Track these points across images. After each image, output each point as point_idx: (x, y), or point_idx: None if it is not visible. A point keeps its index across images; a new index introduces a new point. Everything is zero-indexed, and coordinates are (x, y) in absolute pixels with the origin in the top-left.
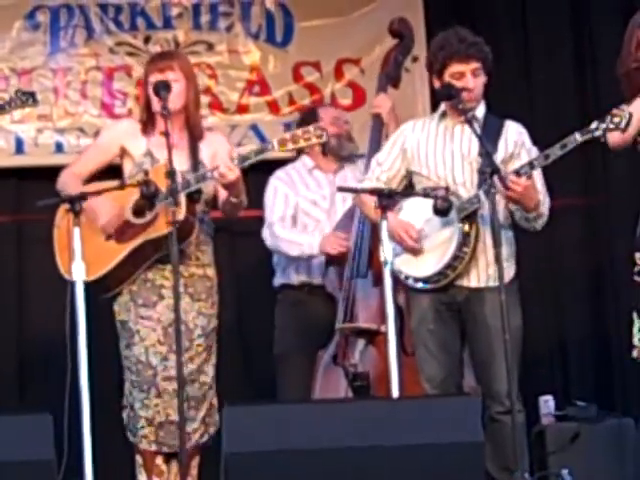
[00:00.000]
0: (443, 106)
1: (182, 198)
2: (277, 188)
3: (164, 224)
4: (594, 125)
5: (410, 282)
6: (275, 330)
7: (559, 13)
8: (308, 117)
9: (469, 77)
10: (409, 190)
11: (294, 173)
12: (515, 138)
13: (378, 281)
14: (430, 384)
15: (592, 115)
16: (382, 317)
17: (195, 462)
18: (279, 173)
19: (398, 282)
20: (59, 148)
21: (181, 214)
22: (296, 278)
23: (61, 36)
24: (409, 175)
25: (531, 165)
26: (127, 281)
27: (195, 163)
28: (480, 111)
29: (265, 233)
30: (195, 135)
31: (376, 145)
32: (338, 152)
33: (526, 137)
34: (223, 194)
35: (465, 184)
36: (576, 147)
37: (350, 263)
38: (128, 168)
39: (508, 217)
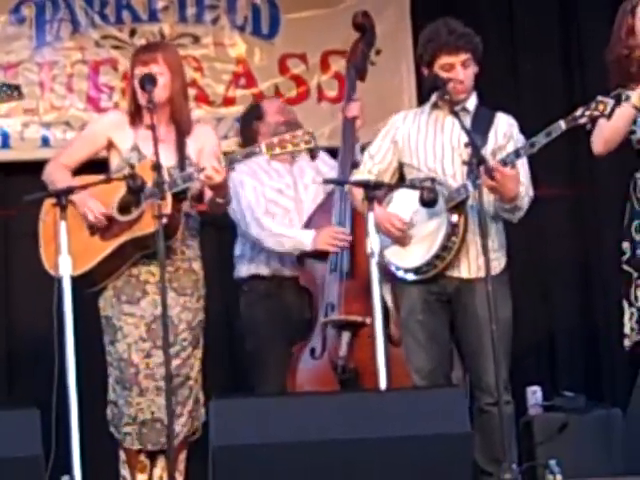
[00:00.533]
0: (434, 97)
1: (168, 197)
2: (243, 182)
3: (150, 222)
4: (579, 112)
5: (400, 273)
6: (243, 323)
7: (546, 6)
8: (252, 110)
9: (459, 69)
10: (397, 182)
11: (254, 165)
12: (505, 130)
13: (358, 273)
14: (418, 375)
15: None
16: (365, 309)
17: (182, 456)
18: (240, 167)
19: (383, 273)
20: (45, 142)
21: (167, 209)
22: (266, 269)
23: (47, 30)
24: (401, 167)
25: (517, 153)
26: (112, 276)
27: (182, 159)
28: (471, 102)
29: (253, 229)
30: (182, 129)
31: (349, 150)
32: None
33: (515, 129)
34: (209, 193)
35: (455, 175)
36: (561, 135)
37: (331, 257)
38: (115, 162)
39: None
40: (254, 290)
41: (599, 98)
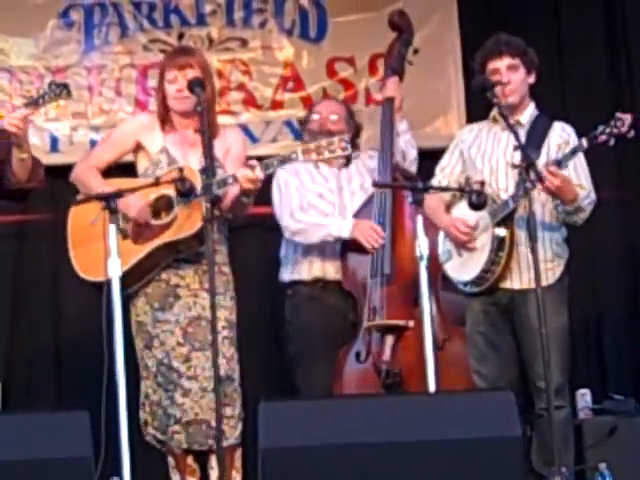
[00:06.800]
0: (494, 111)
1: (204, 203)
2: (287, 180)
3: (186, 226)
4: (599, 130)
5: (460, 287)
6: (288, 327)
7: (592, 9)
8: (308, 111)
9: (504, 71)
10: (445, 186)
11: (300, 166)
12: (558, 141)
13: (400, 276)
14: (485, 383)
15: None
16: (408, 312)
17: (238, 454)
18: (287, 167)
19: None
20: (94, 146)
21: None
22: (309, 274)
23: (95, 34)
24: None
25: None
26: (143, 280)
27: (211, 163)
28: (526, 115)
29: (287, 221)
30: (211, 133)
31: (388, 132)
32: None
33: (572, 137)
34: (233, 192)
35: (507, 189)
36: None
37: (372, 260)
38: (143, 165)
39: (556, 216)
40: (298, 293)
41: (618, 115)
